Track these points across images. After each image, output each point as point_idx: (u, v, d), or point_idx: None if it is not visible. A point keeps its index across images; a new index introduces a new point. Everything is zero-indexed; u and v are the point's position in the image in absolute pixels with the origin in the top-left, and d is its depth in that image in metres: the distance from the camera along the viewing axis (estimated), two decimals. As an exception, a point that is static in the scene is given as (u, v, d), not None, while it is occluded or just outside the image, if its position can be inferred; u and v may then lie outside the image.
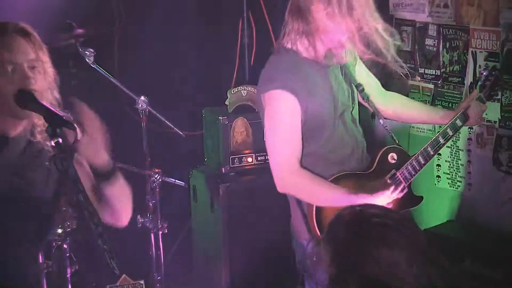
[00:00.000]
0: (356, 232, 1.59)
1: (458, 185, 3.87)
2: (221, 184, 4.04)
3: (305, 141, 3.12)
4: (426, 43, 3.97)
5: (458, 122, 3.10)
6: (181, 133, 4.02)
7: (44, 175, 2.40)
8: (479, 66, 3.71)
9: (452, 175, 3.92)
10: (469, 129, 3.72)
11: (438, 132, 3.14)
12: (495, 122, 3.73)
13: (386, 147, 3.21)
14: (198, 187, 4.27)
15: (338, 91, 3.18)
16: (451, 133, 3.11)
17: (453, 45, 3.82)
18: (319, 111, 3.09)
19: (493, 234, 3.72)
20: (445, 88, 3.93)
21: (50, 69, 2.35)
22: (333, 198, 3.01)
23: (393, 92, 3.47)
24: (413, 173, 3.15)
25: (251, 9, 4.52)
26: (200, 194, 4.26)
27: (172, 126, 3.94)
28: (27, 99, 2.24)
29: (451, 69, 3.88)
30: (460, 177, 3.87)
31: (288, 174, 3.04)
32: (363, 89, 3.23)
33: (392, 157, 3.15)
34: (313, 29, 3.00)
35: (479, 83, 3.26)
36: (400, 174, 3.13)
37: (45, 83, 2.30)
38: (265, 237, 4.00)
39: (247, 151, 4.13)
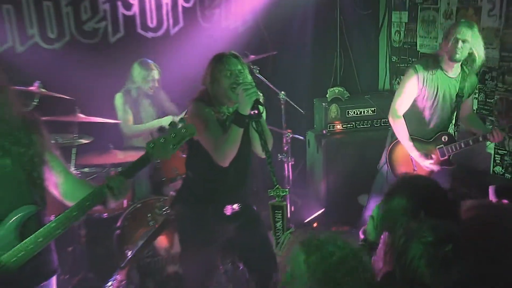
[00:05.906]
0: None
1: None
2: (323, 139, 5.06)
3: (415, 108, 3.63)
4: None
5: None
6: (302, 111, 4.93)
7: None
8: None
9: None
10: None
11: (481, 135, 3.55)
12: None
13: (442, 131, 3.70)
14: (310, 140, 5.27)
15: (445, 91, 3.60)
16: (487, 137, 3.50)
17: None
18: (425, 98, 3.60)
19: (466, 167, 4.22)
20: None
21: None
22: (404, 142, 3.64)
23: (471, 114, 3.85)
24: (454, 150, 3.58)
25: (342, 46, 5.74)
26: (311, 144, 5.23)
27: (298, 108, 4.86)
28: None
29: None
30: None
31: (391, 117, 3.69)
32: (462, 97, 3.66)
33: (444, 138, 3.68)
34: None
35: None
36: (445, 148, 3.60)
37: (247, 80, 2.83)
38: (346, 168, 5.06)
39: (337, 122, 5.17)
